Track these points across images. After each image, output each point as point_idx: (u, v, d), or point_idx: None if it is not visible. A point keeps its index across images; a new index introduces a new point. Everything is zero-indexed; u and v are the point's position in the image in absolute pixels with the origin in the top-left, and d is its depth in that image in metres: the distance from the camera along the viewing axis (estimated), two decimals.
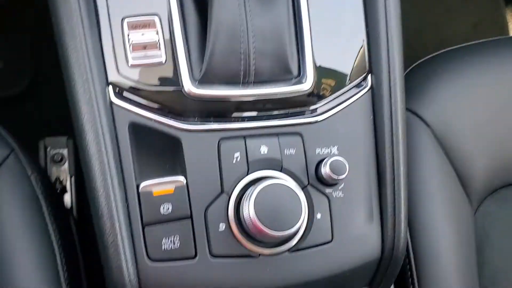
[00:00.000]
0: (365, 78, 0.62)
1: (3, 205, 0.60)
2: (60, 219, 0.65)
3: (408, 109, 0.79)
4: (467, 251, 0.76)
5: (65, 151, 1.15)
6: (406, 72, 0.86)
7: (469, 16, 1.65)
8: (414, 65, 0.87)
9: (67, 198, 1.02)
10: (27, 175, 0.63)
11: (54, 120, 1.06)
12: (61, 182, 1.06)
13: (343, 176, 0.56)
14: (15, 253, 0.59)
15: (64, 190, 1.07)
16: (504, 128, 0.80)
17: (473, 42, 0.89)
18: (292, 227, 0.53)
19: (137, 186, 0.54)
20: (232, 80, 0.56)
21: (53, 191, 0.70)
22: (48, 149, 1.15)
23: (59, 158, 1.15)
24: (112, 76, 0.55)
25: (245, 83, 0.57)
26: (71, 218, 0.71)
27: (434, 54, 0.88)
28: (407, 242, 0.71)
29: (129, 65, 0.54)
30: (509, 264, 0.80)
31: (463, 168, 0.78)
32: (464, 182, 0.78)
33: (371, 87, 0.62)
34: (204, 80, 0.56)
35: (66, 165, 1.16)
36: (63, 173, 1.16)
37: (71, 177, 1.09)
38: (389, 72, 0.62)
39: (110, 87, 0.54)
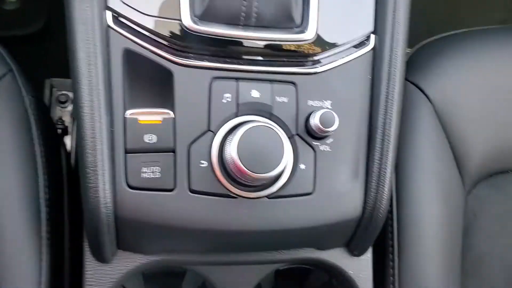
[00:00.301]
0: (368, 38, 0.62)
1: None
2: (50, 146, 0.66)
3: (413, 83, 0.78)
4: (453, 230, 0.75)
5: (71, 94, 1.16)
6: (416, 47, 0.85)
7: (497, 12, 1.62)
8: (425, 41, 0.85)
9: (68, 142, 1.03)
10: (21, 95, 0.63)
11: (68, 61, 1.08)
12: (63, 122, 1.08)
13: (332, 128, 0.56)
14: None
15: (65, 131, 1.08)
16: (507, 114, 0.79)
17: (487, 27, 0.87)
18: (271, 171, 0.52)
19: (124, 112, 0.54)
20: (232, 21, 0.56)
21: (48, 119, 0.71)
22: (54, 89, 1.16)
23: (64, 100, 1.16)
24: (112, 1, 0.54)
25: (246, 25, 0.56)
26: (62, 149, 0.71)
27: (446, 34, 0.86)
28: (392, 210, 0.70)
29: None
30: (495, 250, 0.79)
31: (460, 148, 0.77)
32: (459, 162, 0.77)
33: (373, 48, 0.62)
34: (204, 17, 0.55)
35: (70, 108, 1.18)
36: (66, 114, 1.18)
37: (73, 119, 1.10)
38: (392, 34, 0.61)
39: (109, 11, 0.54)
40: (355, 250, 0.66)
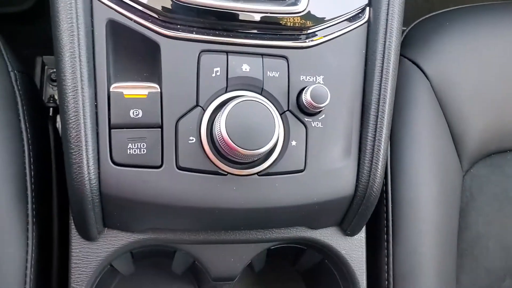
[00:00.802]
0: (362, 11, 0.60)
1: None
2: (37, 123, 0.64)
3: (410, 59, 0.76)
4: (449, 209, 0.73)
5: None
6: (414, 24, 0.83)
7: None
8: (422, 18, 0.83)
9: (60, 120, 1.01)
10: (7, 70, 0.62)
11: None
12: (55, 101, 1.06)
13: (323, 104, 0.54)
14: None
15: (57, 110, 1.06)
16: (505, 93, 0.77)
17: (486, 3, 0.85)
18: (262, 147, 0.51)
19: (109, 86, 0.53)
20: None
21: (36, 95, 0.69)
22: (46, 67, 1.14)
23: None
24: None
25: None
26: (50, 126, 0.69)
27: (444, 10, 0.84)
28: (387, 189, 0.69)
29: None
30: (491, 231, 0.78)
31: (458, 126, 0.75)
32: (456, 140, 0.75)
33: (368, 21, 0.60)
34: None
35: None
36: None
37: None
38: (388, 7, 0.59)
39: None
40: (348, 229, 0.65)
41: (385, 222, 0.69)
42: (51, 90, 1.14)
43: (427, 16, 0.84)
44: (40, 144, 0.63)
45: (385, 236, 0.69)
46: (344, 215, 0.63)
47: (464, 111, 0.75)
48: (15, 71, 0.63)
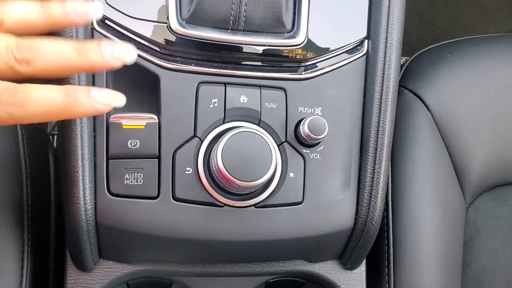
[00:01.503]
0: (361, 43, 0.60)
1: None
2: (37, 148, 0.65)
3: (411, 90, 0.76)
4: (452, 242, 0.72)
5: None
6: (415, 55, 0.83)
7: (503, 22, 1.60)
8: (424, 49, 0.83)
9: None
10: None
11: None
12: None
13: (322, 136, 0.54)
14: None
15: None
16: (507, 124, 0.77)
17: (488, 35, 0.86)
18: (259, 179, 0.50)
19: (108, 117, 0.53)
20: (220, 25, 0.54)
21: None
22: None
23: None
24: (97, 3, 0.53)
25: (234, 30, 0.55)
26: (50, 152, 0.70)
27: (445, 42, 0.84)
28: (388, 222, 0.68)
29: None
30: (497, 264, 0.76)
31: (460, 159, 0.74)
32: (459, 173, 0.74)
33: (366, 53, 0.60)
34: (191, 20, 0.54)
35: None
36: None
37: None
38: (386, 40, 0.59)
39: None
40: (347, 263, 0.64)
41: (386, 255, 0.68)
42: None
43: (428, 47, 0.84)
44: (39, 172, 0.64)
45: (386, 270, 0.68)
46: (344, 248, 0.62)
47: (467, 143, 0.74)
48: None
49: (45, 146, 0.70)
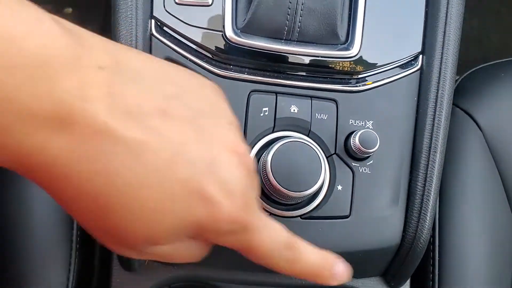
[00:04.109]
0: (415, 58, 0.59)
1: None
2: None
3: (463, 109, 0.74)
4: (501, 267, 0.70)
5: None
6: (467, 73, 0.82)
7: None
8: (476, 67, 0.82)
9: None
10: None
11: None
12: None
13: (373, 150, 0.53)
14: None
15: None
16: None
17: None
18: (307, 190, 0.50)
19: None
20: (274, 35, 0.55)
21: None
22: None
23: None
24: (157, 10, 0.55)
25: (288, 40, 0.55)
26: None
27: (500, 60, 0.82)
28: (435, 241, 0.66)
29: (176, 1, 0.55)
30: None
31: (511, 180, 0.72)
32: (510, 196, 0.72)
33: (421, 69, 0.59)
34: (246, 29, 0.55)
35: None
36: None
37: None
38: (441, 56, 0.58)
39: (153, 20, 0.55)
40: (391, 281, 0.62)
41: (431, 275, 0.66)
42: None
43: (481, 66, 0.82)
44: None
45: None
46: (389, 265, 0.60)
47: None
48: None
49: None
